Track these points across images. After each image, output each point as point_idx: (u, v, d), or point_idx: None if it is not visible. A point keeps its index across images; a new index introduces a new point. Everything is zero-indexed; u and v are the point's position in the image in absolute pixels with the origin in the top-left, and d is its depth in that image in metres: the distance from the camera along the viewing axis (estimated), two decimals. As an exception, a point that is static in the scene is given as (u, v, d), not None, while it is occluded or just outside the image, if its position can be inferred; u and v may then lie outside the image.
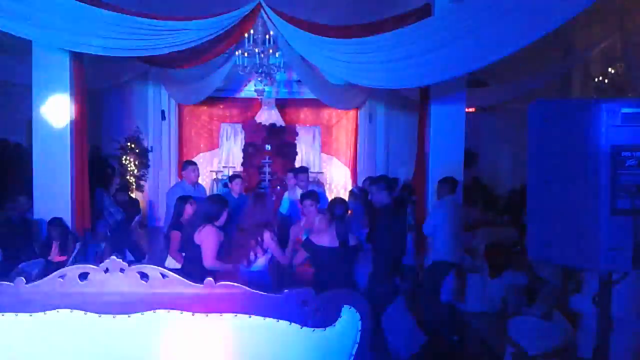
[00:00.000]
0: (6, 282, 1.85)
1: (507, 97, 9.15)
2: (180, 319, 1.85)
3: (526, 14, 4.50)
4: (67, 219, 5.95)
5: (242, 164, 10.88)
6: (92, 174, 6.55)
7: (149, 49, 5.54)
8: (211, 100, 10.29)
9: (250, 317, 1.84)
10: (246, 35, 6.52)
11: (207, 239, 4.09)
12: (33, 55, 5.90)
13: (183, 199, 4.93)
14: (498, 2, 4.61)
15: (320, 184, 9.37)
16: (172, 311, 1.84)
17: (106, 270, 1.84)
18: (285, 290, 1.86)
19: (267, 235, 4.09)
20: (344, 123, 11.21)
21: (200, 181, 6.78)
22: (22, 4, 4.73)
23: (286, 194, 6.39)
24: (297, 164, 10.21)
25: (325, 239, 3.97)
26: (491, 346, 5.17)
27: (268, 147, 10.74)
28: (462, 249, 5.62)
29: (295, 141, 11.04)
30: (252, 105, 10.78)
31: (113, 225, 7.06)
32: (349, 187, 10.48)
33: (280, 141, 10.86)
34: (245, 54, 7.20)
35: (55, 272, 1.85)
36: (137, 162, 9.94)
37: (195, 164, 6.22)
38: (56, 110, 5.97)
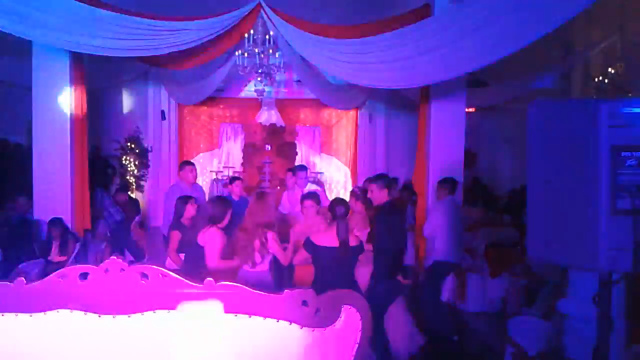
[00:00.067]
0: (6, 282, 1.85)
1: (507, 97, 9.15)
2: (180, 319, 1.85)
3: (526, 14, 4.50)
4: (67, 219, 5.95)
5: (242, 164, 10.87)
6: (92, 174, 6.56)
7: (149, 49, 5.54)
8: (211, 100, 10.28)
9: (250, 317, 1.84)
10: (246, 35, 6.52)
11: (212, 240, 4.10)
12: (33, 55, 5.90)
13: (184, 200, 4.93)
14: (498, 2, 4.61)
15: (320, 183, 9.37)
16: (172, 311, 1.84)
17: (106, 270, 1.84)
18: (285, 290, 1.86)
19: (270, 236, 4.09)
20: (344, 123, 11.20)
21: (200, 181, 6.79)
22: (22, 4, 4.73)
23: (285, 194, 6.40)
24: (297, 164, 10.20)
25: (326, 239, 3.96)
26: (491, 346, 5.18)
27: (268, 147, 10.73)
28: (462, 249, 5.62)
29: (295, 141, 11.04)
30: (252, 105, 10.77)
31: (113, 226, 7.07)
32: (349, 187, 10.48)
33: (280, 141, 10.85)
34: (245, 54, 7.19)
35: (55, 272, 1.85)
36: (137, 162, 9.93)
37: (192, 164, 6.22)
38: (56, 110, 5.97)
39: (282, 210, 6.20)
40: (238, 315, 1.84)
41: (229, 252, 4.17)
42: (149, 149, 10.12)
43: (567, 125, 2.02)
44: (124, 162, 9.77)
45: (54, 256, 5.77)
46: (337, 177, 11.24)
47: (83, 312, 1.83)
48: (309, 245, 4.01)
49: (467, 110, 6.74)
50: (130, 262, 1.88)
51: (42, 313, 1.83)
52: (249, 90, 9.68)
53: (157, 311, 1.84)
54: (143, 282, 1.85)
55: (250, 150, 10.79)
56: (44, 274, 2.12)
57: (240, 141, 11.14)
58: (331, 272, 3.90)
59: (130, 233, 7.54)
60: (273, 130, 10.90)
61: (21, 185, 6.45)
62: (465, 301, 6.22)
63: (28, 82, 6.06)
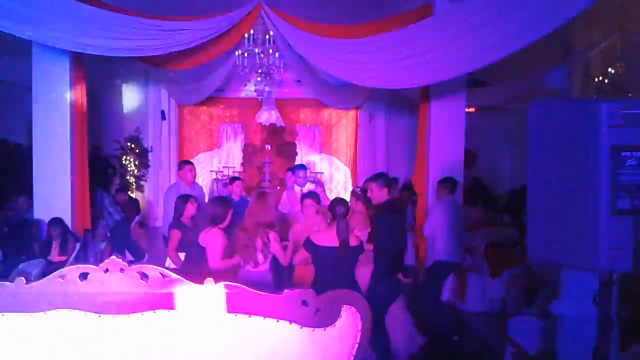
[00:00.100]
0: (6, 282, 1.84)
1: (507, 97, 9.15)
2: (179, 319, 1.85)
3: (526, 14, 4.50)
4: (67, 219, 5.95)
5: (242, 164, 10.87)
6: (92, 173, 6.55)
7: (149, 49, 5.54)
8: (211, 100, 10.28)
9: (250, 317, 1.84)
10: (246, 35, 6.52)
11: (214, 241, 4.09)
12: (33, 55, 5.90)
13: (184, 198, 4.92)
14: (498, 2, 4.61)
15: (320, 183, 9.37)
16: (172, 311, 1.84)
17: (106, 270, 1.84)
18: (285, 290, 1.85)
19: (272, 236, 4.09)
20: (344, 123, 11.19)
21: (200, 181, 6.79)
22: (22, 4, 4.73)
23: (284, 193, 6.40)
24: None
25: (326, 239, 3.96)
26: (491, 346, 5.18)
27: (268, 147, 10.73)
28: (462, 248, 5.62)
29: (295, 141, 11.03)
30: (252, 105, 10.77)
31: (113, 226, 7.07)
32: (349, 187, 10.48)
33: (280, 141, 10.84)
34: (245, 54, 7.19)
35: (55, 272, 1.85)
36: (137, 162, 9.93)
37: (191, 163, 6.22)
38: (56, 110, 5.97)
39: (281, 209, 6.20)
40: (238, 315, 1.84)
41: (230, 251, 4.17)
42: (149, 149, 10.12)
43: (567, 125, 2.02)
44: (124, 162, 9.77)
45: (54, 256, 5.77)
46: (337, 177, 11.24)
47: (83, 312, 1.83)
48: (309, 245, 4.01)
49: (467, 110, 6.74)
50: (130, 262, 1.88)
51: (42, 313, 1.83)
52: (249, 90, 9.67)
53: (157, 311, 1.84)
54: (143, 282, 1.85)
55: (250, 150, 10.78)
56: (44, 274, 2.12)
57: (240, 141, 11.13)
58: (331, 272, 3.90)
59: (130, 233, 7.54)
60: (273, 130, 10.90)
61: (21, 185, 6.45)
62: (465, 301, 6.21)
63: (28, 82, 6.05)
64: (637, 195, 1.88)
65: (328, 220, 4.21)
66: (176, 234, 4.71)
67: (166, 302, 1.85)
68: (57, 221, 5.79)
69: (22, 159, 6.97)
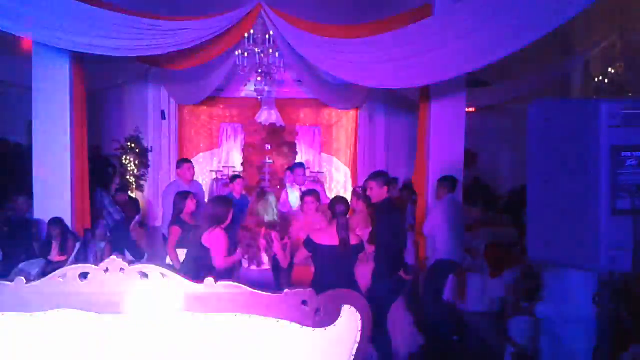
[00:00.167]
0: (6, 282, 1.84)
1: (507, 97, 9.16)
2: (180, 319, 1.85)
3: (526, 14, 4.50)
4: (67, 219, 5.95)
5: (242, 164, 10.87)
6: (93, 173, 6.55)
7: (149, 49, 5.54)
8: (211, 100, 10.28)
9: (250, 317, 1.84)
10: (246, 35, 6.52)
11: (217, 241, 4.09)
12: (33, 55, 5.90)
13: (183, 195, 4.92)
14: (498, 2, 4.61)
15: (319, 182, 9.37)
16: (172, 311, 1.84)
17: (106, 270, 1.84)
18: (285, 290, 1.85)
19: (274, 236, 4.09)
20: (344, 123, 11.20)
21: (200, 181, 6.79)
22: (22, 4, 4.72)
23: (284, 192, 6.40)
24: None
25: (326, 238, 3.96)
26: (491, 346, 5.18)
27: (268, 147, 10.73)
28: (463, 247, 5.62)
29: (295, 141, 11.04)
30: (252, 105, 10.77)
31: (113, 225, 7.07)
32: (349, 187, 10.49)
33: (280, 141, 10.85)
34: (245, 54, 7.20)
35: (55, 272, 1.85)
36: (137, 162, 9.94)
37: (190, 161, 6.22)
38: (56, 110, 5.97)
39: (281, 209, 6.20)
40: (238, 314, 1.84)
41: (232, 249, 4.17)
42: (149, 149, 10.13)
43: (567, 125, 2.02)
44: (124, 162, 9.77)
45: (54, 256, 5.77)
46: (337, 177, 11.24)
47: (83, 312, 1.83)
48: (309, 243, 4.01)
49: (467, 110, 6.74)
50: (130, 262, 1.88)
51: (42, 313, 1.83)
52: (249, 90, 9.68)
53: (157, 311, 1.84)
54: (143, 281, 1.85)
55: (250, 150, 10.78)
56: (44, 273, 2.12)
57: (240, 141, 11.14)
58: (331, 271, 3.90)
59: (130, 233, 7.55)
60: (273, 130, 10.90)
61: (21, 185, 6.45)
62: (465, 301, 6.22)
63: (28, 82, 6.05)
64: (637, 195, 1.88)
65: (328, 219, 4.21)
66: (176, 231, 4.70)
67: (166, 302, 1.85)
68: (57, 221, 5.79)
69: (22, 159, 6.96)
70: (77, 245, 5.96)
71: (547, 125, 2.08)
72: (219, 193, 9.07)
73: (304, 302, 1.83)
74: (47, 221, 5.83)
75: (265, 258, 4.13)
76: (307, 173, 9.34)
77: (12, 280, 1.85)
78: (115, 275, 1.84)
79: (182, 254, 4.63)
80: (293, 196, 6.16)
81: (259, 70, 7.55)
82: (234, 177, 6.43)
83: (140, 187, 10.01)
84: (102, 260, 1.88)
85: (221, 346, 1.86)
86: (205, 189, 8.68)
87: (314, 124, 11.28)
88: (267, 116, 11.02)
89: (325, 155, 11.29)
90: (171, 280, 1.85)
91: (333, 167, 11.30)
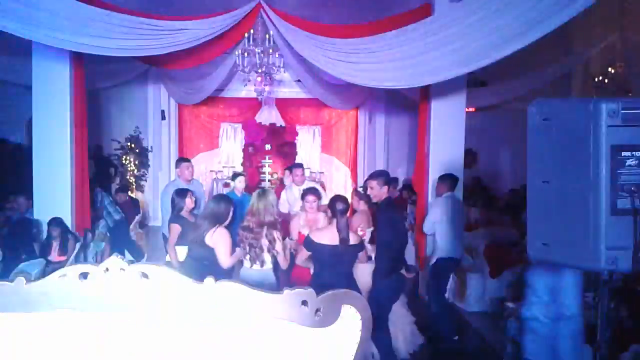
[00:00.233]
0: (6, 282, 1.84)
1: (507, 97, 9.16)
2: (180, 318, 1.85)
3: (526, 13, 4.50)
4: (67, 219, 5.95)
5: (242, 164, 10.88)
6: (97, 173, 6.55)
7: (149, 49, 5.54)
8: (211, 100, 10.28)
9: (250, 317, 1.84)
10: (246, 35, 6.52)
11: (221, 241, 4.08)
12: (33, 55, 5.90)
13: (182, 193, 4.93)
14: (498, 2, 4.61)
15: (319, 182, 9.37)
16: (172, 310, 1.84)
17: (106, 270, 1.84)
18: (285, 290, 1.85)
19: (277, 235, 4.09)
20: (344, 123, 11.20)
21: (200, 181, 6.79)
22: (22, 4, 4.72)
23: (284, 192, 6.40)
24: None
25: (326, 237, 3.96)
26: (491, 346, 5.18)
27: (268, 147, 10.74)
28: (463, 245, 5.63)
29: (295, 141, 11.04)
30: (252, 105, 10.77)
31: (113, 225, 7.08)
32: (349, 187, 10.49)
33: (280, 141, 10.85)
34: (245, 54, 7.19)
35: (55, 272, 1.85)
36: (137, 162, 9.94)
37: (188, 161, 6.22)
38: (56, 110, 5.97)
39: (281, 209, 6.20)
40: (238, 314, 1.84)
41: (233, 247, 4.18)
42: (149, 149, 10.13)
43: (567, 125, 2.02)
44: (124, 162, 9.78)
45: (54, 256, 5.77)
46: (337, 177, 11.24)
47: (83, 312, 1.83)
48: (308, 243, 4.00)
49: (467, 110, 6.74)
50: (130, 262, 1.88)
51: (42, 313, 1.83)
52: (249, 90, 9.68)
53: (157, 310, 1.84)
54: (143, 281, 1.85)
55: (250, 150, 10.79)
56: (44, 274, 2.12)
57: (240, 141, 11.14)
58: (330, 271, 3.90)
59: (130, 233, 7.55)
60: (273, 130, 10.90)
61: (21, 185, 6.46)
62: (465, 301, 6.22)
63: (28, 82, 6.05)
64: (637, 195, 1.88)
65: (328, 218, 4.20)
66: (176, 228, 4.69)
67: (166, 302, 1.85)
68: (57, 221, 5.79)
69: (22, 159, 6.97)
70: (77, 245, 5.97)
71: (547, 125, 2.08)
72: (219, 193, 9.07)
73: (304, 302, 1.83)
74: (47, 221, 5.83)
75: (267, 258, 4.12)
76: (307, 173, 9.35)
77: (12, 280, 1.85)
78: (115, 275, 1.84)
79: (180, 251, 4.63)
80: (292, 196, 6.16)
81: (259, 70, 7.54)
82: (236, 175, 6.44)
83: (140, 187, 10.02)
84: (102, 260, 1.88)
85: (221, 346, 1.86)
86: (206, 188, 8.68)
87: (314, 124, 11.28)
88: (267, 116, 11.02)
89: (325, 155, 11.29)
90: (171, 280, 1.85)
91: (333, 167, 11.30)
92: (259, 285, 1.90)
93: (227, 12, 5.80)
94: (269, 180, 10.23)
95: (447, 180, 5.48)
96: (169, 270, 1.88)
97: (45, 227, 5.89)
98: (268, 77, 7.86)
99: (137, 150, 9.94)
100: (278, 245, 4.07)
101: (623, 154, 1.89)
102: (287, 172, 6.75)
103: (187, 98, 9.75)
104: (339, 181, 11.22)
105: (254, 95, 9.11)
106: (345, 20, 6.42)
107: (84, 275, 1.85)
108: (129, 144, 9.89)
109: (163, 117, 10.22)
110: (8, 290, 1.83)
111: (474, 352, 5.21)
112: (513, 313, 3.50)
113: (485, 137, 9.96)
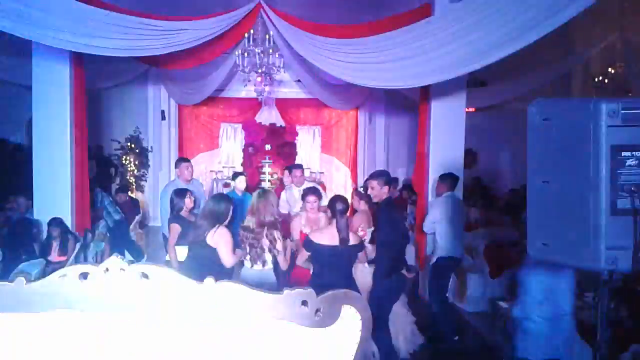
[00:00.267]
0: (6, 282, 1.85)
1: (507, 97, 9.16)
2: (180, 318, 1.85)
3: (526, 14, 4.50)
4: (67, 219, 5.94)
5: (242, 164, 10.88)
6: (99, 173, 6.54)
7: (149, 49, 5.54)
8: (211, 100, 10.29)
9: (250, 317, 1.84)
10: (246, 35, 6.52)
11: (223, 240, 4.07)
12: (33, 55, 5.90)
13: (180, 193, 4.93)
14: (498, 2, 4.61)
15: (318, 182, 9.38)
16: (172, 310, 1.84)
17: (106, 270, 1.84)
18: (286, 290, 1.85)
19: (277, 235, 4.08)
20: (344, 123, 11.21)
21: (200, 181, 6.78)
22: (22, 4, 4.72)
23: (283, 193, 6.40)
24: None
25: (325, 238, 3.95)
26: (491, 346, 5.18)
27: (268, 147, 10.74)
28: (463, 244, 5.63)
29: (295, 141, 11.04)
30: (252, 105, 10.77)
31: (112, 226, 7.07)
32: (349, 187, 10.50)
33: (280, 141, 10.86)
34: (245, 54, 7.19)
35: (55, 272, 1.85)
36: (137, 162, 9.94)
37: (188, 161, 6.22)
38: (56, 110, 5.97)
39: (281, 209, 6.19)
40: (238, 314, 1.84)
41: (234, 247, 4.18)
42: (149, 149, 10.13)
43: (567, 125, 2.02)
44: (124, 162, 9.78)
45: (54, 256, 5.77)
46: (337, 177, 11.25)
47: (83, 312, 1.83)
48: (308, 243, 4.00)
49: (467, 110, 6.74)
50: (130, 262, 1.88)
51: (42, 313, 1.83)
52: (249, 90, 9.69)
53: (157, 311, 1.84)
54: (143, 281, 1.85)
55: (250, 150, 10.79)
56: (44, 274, 2.12)
57: (240, 141, 11.14)
58: (329, 271, 3.89)
59: (130, 233, 7.55)
60: (273, 130, 10.91)
61: (21, 185, 6.45)
62: (465, 301, 6.22)
63: (28, 82, 6.05)
64: (637, 195, 1.88)
65: (327, 218, 4.20)
66: (176, 228, 4.69)
67: (166, 302, 1.85)
68: (57, 221, 5.79)
69: (22, 159, 6.97)
70: (77, 245, 5.96)
71: (547, 125, 2.08)
72: (219, 192, 9.07)
73: (304, 303, 1.83)
74: (47, 221, 5.83)
75: (268, 258, 4.12)
76: (307, 173, 9.35)
77: (12, 280, 1.85)
78: (115, 275, 1.84)
79: (180, 251, 4.63)
80: (292, 197, 6.16)
81: (259, 71, 7.54)
82: (237, 175, 6.44)
83: (140, 187, 10.02)
84: (102, 260, 1.88)
85: (221, 346, 1.86)
86: (206, 188, 8.68)
87: (314, 124, 11.28)
88: (267, 116, 11.02)
89: (325, 155, 11.29)
90: (171, 281, 1.85)
91: (333, 167, 11.31)
92: (259, 285, 1.90)
93: (227, 12, 5.80)
94: (269, 181, 10.23)
95: (448, 179, 5.48)
96: (169, 270, 1.88)
97: (45, 227, 5.89)
98: (268, 77, 7.86)
99: (137, 150, 9.95)
100: (279, 245, 4.07)
101: (623, 154, 1.89)
102: (286, 172, 6.75)
103: (187, 98, 9.76)
104: (339, 181, 11.22)
105: (254, 95, 9.12)
106: (345, 20, 6.42)
107: (84, 275, 1.85)
108: (129, 144, 9.89)
109: (163, 117, 10.22)
110: (8, 290, 1.83)
111: (473, 352, 5.21)
112: (506, 312, 3.51)
113: (485, 137, 9.96)
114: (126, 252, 7.01)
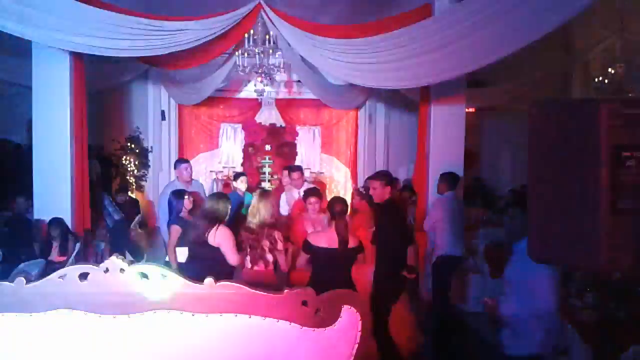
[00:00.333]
0: (6, 282, 1.85)
1: (507, 97, 9.16)
2: (180, 319, 1.85)
3: (526, 14, 4.50)
4: (67, 219, 5.94)
5: (242, 164, 10.88)
6: (102, 174, 6.51)
7: (149, 49, 5.54)
8: (211, 100, 10.27)
9: (250, 317, 1.84)
10: (246, 35, 6.52)
11: (226, 239, 4.06)
12: (33, 55, 5.90)
13: (179, 194, 4.92)
14: (498, 2, 4.61)
15: (318, 182, 9.37)
16: (172, 311, 1.84)
17: (106, 270, 1.84)
18: (286, 290, 1.86)
19: (277, 235, 4.08)
20: (344, 123, 11.19)
21: (200, 181, 6.78)
22: (22, 4, 4.73)
23: (283, 194, 6.39)
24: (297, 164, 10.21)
25: (324, 240, 3.95)
26: (491, 346, 5.17)
27: (268, 147, 10.73)
28: (463, 242, 5.64)
29: (295, 141, 11.03)
30: (252, 105, 10.77)
31: (112, 226, 7.07)
32: (349, 187, 10.49)
33: (280, 141, 10.85)
34: (245, 54, 7.19)
35: (55, 272, 1.85)
36: (137, 162, 9.94)
37: (187, 161, 6.23)
38: (56, 110, 5.97)
39: (281, 211, 6.19)
40: (238, 315, 1.84)
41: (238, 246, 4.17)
42: (149, 149, 10.13)
43: (567, 125, 2.02)
44: (124, 162, 9.78)
45: (54, 256, 5.77)
46: (337, 177, 11.24)
47: (83, 312, 1.83)
48: (307, 246, 4.00)
49: (467, 110, 6.75)
50: (130, 262, 1.88)
51: (42, 313, 1.83)
52: (249, 90, 9.68)
53: (157, 311, 1.85)
54: (143, 282, 1.85)
55: (250, 150, 10.78)
56: (44, 274, 2.12)
57: (240, 141, 11.14)
58: (328, 273, 3.88)
59: (130, 233, 7.55)
60: (273, 130, 10.90)
61: (21, 185, 6.45)
62: (465, 301, 6.22)
63: (28, 82, 6.05)
64: (637, 195, 1.88)
65: (326, 220, 4.20)
66: (176, 230, 4.68)
67: (166, 302, 1.85)
68: (57, 221, 5.79)
69: (22, 159, 6.96)
70: (77, 245, 5.96)
71: (547, 125, 2.08)
72: (217, 191, 9.07)
73: (304, 303, 1.83)
74: (47, 221, 5.83)
75: (268, 258, 4.12)
76: (307, 173, 9.34)
77: (12, 281, 1.85)
78: (115, 275, 1.84)
79: (181, 252, 4.62)
80: (292, 199, 6.16)
81: (259, 71, 7.54)
82: (238, 175, 6.45)
83: (140, 187, 10.01)
84: (102, 260, 1.88)
85: (221, 346, 1.86)
86: (206, 189, 8.69)
87: (314, 124, 11.27)
88: (267, 116, 11.01)
89: (325, 156, 11.28)
90: (171, 280, 1.85)
91: (333, 167, 11.30)
92: (259, 285, 1.90)
93: (227, 12, 5.80)
94: (269, 181, 10.23)
95: (448, 178, 5.50)
96: (168, 271, 1.88)
97: (45, 227, 5.89)
98: (268, 78, 7.85)
99: (137, 150, 9.94)
100: (279, 246, 4.06)
101: (623, 154, 1.89)
102: (285, 172, 6.74)
103: (187, 98, 9.75)
104: (339, 181, 11.21)
105: (254, 95, 9.11)
106: (345, 20, 6.42)
107: (84, 276, 1.85)
108: (129, 144, 9.89)
109: (163, 117, 10.21)
110: (8, 290, 1.83)
111: (473, 353, 5.21)
112: (492, 309, 3.52)
113: (485, 137, 9.95)
114: (126, 252, 7.01)
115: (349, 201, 5.50)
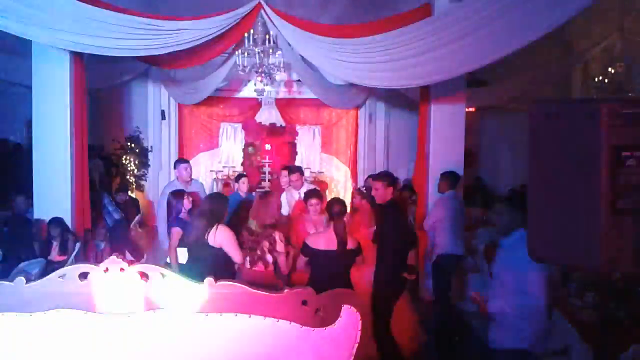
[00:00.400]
0: (6, 282, 1.85)
1: (507, 97, 9.16)
2: (180, 318, 1.85)
3: (526, 13, 4.50)
4: (67, 219, 5.94)
5: (242, 164, 10.87)
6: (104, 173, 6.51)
7: (149, 49, 5.54)
8: (211, 100, 10.27)
9: (250, 317, 1.84)
10: (246, 35, 6.52)
11: (227, 238, 4.06)
12: (33, 55, 5.90)
13: (178, 195, 4.92)
14: (497, 2, 4.61)
15: (319, 182, 9.37)
16: (172, 311, 1.84)
17: (106, 270, 1.84)
18: (286, 290, 1.86)
19: (278, 236, 4.08)
20: (344, 123, 11.19)
21: (201, 181, 6.79)
22: (22, 4, 4.72)
23: (283, 195, 6.39)
24: (297, 164, 10.20)
25: (322, 242, 3.94)
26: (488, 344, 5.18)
27: (268, 147, 10.73)
28: (463, 241, 5.64)
29: (295, 141, 11.03)
30: (252, 105, 10.76)
31: (112, 225, 7.07)
32: (349, 187, 10.49)
33: (280, 141, 10.85)
34: (245, 54, 7.19)
35: (55, 272, 1.85)
36: (137, 162, 9.94)
37: (187, 161, 6.23)
38: (56, 110, 5.97)
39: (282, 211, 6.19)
40: (238, 315, 1.84)
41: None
42: (149, 148, 10.13)
43: (567, 125, 2.02)
44: (124, 161, 9.78)
45: (54, 256, 5.77)
46: (337, 177, 11.24)
47: (83, 312, 1.83)
48: (305, 248, 4.00)
49: (467, 110, 6.75)
50: (130, 262, 1.88)
51: (42, 313, 1.83)
52: (249, 90, 9.68)
53: (157, 311, 1.85)
54: (143, 281, 1.85)
55: (250, 150, 10.78)
56: (44, 273, 2.12)
57: (240, 141, 11.13)
58: (326, 275, 3.88)
59: (130, 233, 7.55)
60: (273, 130, 10.90)
61: (21, 185, 6.45)
62: (465, 301, 6.22)
63: (28, 82, 6.05)
64: (637, 195, 1.88)
65: (325, 222, 4.19)
66: (178, 232, 4.68)
67: (166, 302, 1.85)
68: (57, 221, 5.79)
69: (22, 159, 6.96)
70: (77, 245, 5.96)
71: (548, 125, 2.08)
72: (214, 192, 9.08)
73: (304, 302, 1.83)
74: (47, 221, 5.83)
75: (270, 259, 4.11)
76: (307, 173, 9.35)
77: (12, 281, 1.85)
78: (115, 275, 1.84)
79: (181, 253, 4.62)
80: (293, 200, 6.15)
81: (259, 70, 7.54)
82: (240, 176, 6.46)
83: (140, 187, 10.01)
84: (102, 260, 1.89)
85: (222, 346, 1.86)
86: (206, 188, 8.69)
87: (314, 124, 11.27)
88: (267, 116, 11.01)
89: (325, 155, 11.28)
90: (171, 280, 1.85)
91: (333, 166, 11.30)
92: (259, 286, 1.90)
93: (227, 12, 5.80)
94: (269, 180, 10.23)
95: (450, 177, 5.52)
96: (168, 271, 1.88)
97: (45, 227, 5.89)
98: (268, 77, 7.85)
99: (137, 150, 9.94)
100: (279, 247, 4.06)
101: (623, 154, 1.89)
102: (283, 172, 6.73)
103: (187, 98, 9.75)
104: (339, 181, 11.22)
105: (254, 95, 9.11)
106: (346, 20, 6.42)
107: (84, 275, 1.85)
108: (129, 143, 9.89)
109: (163, 117, 10.21)
110: (8, 290, 1.84)
111: (473, 352, 5.21)
112: (479, 303, 3.53)
113: (485, 137, 9.94)
114: (126, 252, 7.01)
115: (348, 201, 5.50)
